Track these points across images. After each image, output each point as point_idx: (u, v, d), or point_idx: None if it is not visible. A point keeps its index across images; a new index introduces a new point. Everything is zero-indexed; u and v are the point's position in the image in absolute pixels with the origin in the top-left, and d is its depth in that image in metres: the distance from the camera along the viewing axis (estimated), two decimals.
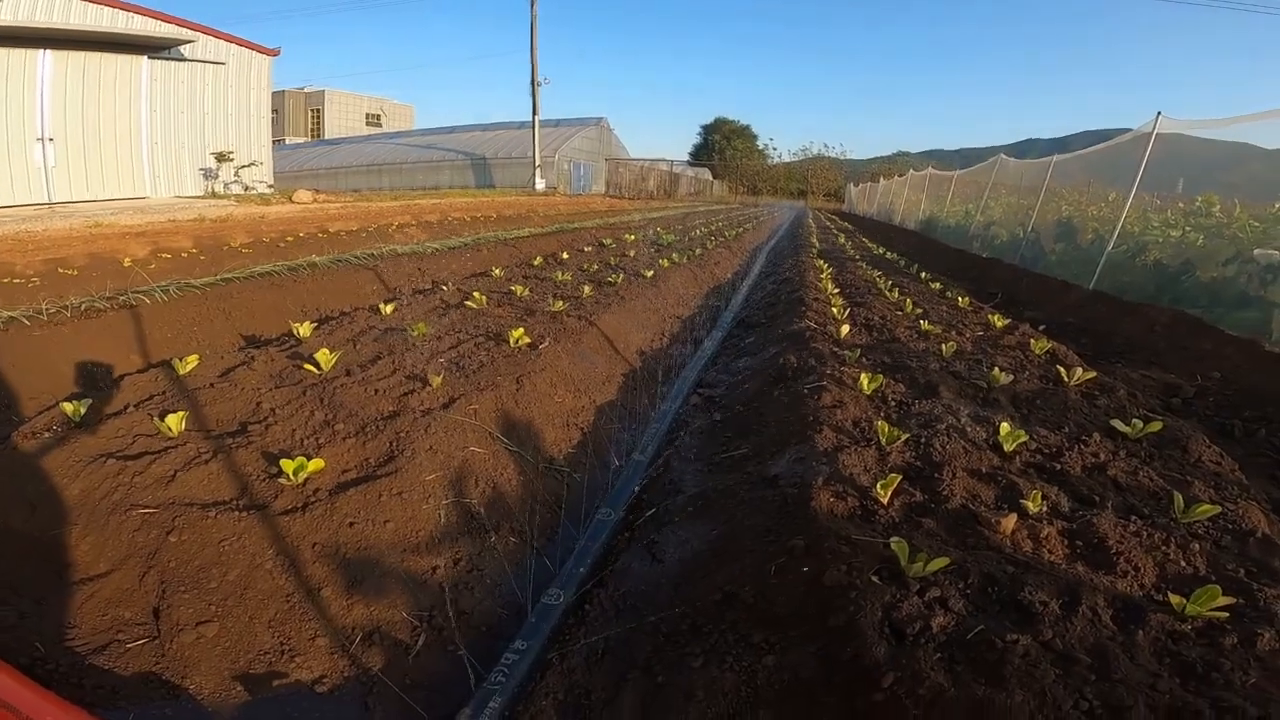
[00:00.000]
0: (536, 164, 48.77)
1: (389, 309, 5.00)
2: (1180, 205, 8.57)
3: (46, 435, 2.80)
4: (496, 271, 7.09)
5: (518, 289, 5.80)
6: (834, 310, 5.62)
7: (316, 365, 3.54)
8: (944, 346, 4.43)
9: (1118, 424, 3.24)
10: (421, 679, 1.99)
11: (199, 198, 15.54)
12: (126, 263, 6.53)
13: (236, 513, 2.39)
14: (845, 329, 4.81)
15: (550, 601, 2.24)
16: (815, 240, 14.63)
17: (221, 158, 18.40)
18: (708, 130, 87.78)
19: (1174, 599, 1.73)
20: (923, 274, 9.45)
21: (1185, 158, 8.77)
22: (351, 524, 2.41)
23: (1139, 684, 1.41)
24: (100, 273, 5.98)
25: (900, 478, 2.34)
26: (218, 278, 5.80)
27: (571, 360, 4.13)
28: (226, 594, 2.14)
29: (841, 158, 79.23)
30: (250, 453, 2.73)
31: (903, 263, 11.41)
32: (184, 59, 15.10)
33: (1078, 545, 2.12)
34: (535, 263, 8.40)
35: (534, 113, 39.87)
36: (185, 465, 2.61)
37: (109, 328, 4.45)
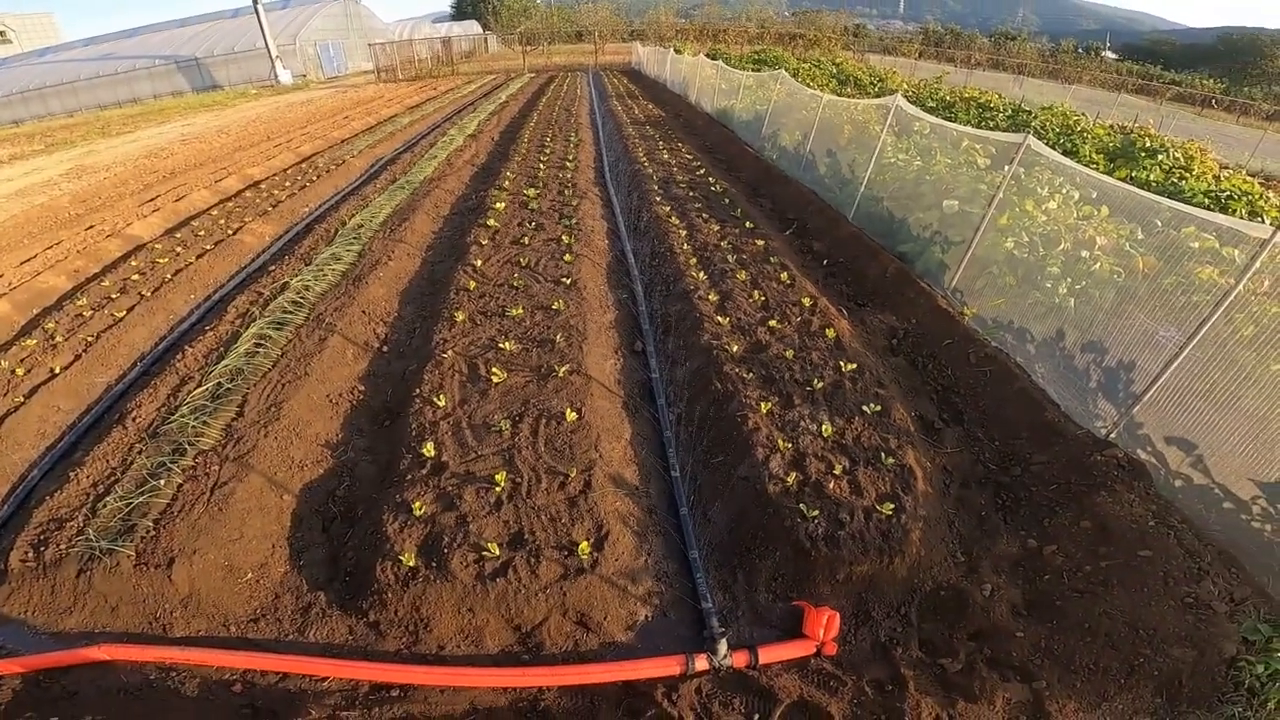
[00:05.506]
0: (274, 55, 41.81)
1: None
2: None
3: None
4: None
5: None
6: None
7: None
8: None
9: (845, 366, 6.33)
10: None
11: None
12: None
13: None
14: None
15: None
16: (642, 156, 16.44)
17: None
18: None
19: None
20: (738, 211, 11.88)
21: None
22: None
23: None
24: None
25: None
26: None
27: None
28: None
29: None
30: None
31: (716, 187, 13.64)
32: None
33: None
34: None
35: None
36: None
37: None
